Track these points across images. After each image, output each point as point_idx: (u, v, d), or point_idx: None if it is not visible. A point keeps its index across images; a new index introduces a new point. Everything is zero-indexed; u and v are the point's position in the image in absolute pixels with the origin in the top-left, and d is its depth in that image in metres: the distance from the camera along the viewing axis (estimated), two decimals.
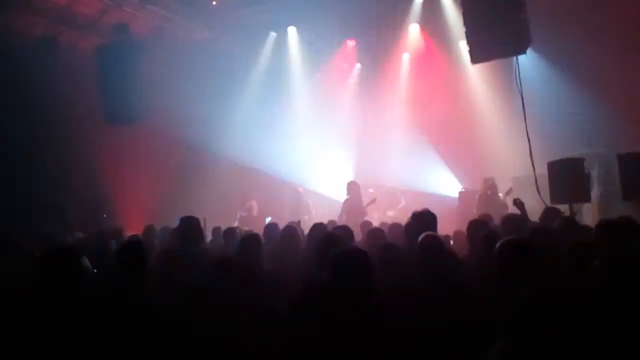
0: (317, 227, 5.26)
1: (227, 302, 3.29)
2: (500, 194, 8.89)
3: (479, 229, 4.64)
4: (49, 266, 2.62)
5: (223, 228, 6.44)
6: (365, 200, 9.52)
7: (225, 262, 3.78)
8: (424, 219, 4.40)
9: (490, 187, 9.01)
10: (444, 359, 2.87)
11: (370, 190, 10.60)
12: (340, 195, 10.33)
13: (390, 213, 10.30)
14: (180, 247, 4.73)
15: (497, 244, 3.02)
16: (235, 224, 9.75)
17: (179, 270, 4.10)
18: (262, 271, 4.26)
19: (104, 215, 9.42)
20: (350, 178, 10.24)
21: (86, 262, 2.85)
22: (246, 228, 8.14)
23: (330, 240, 3.94)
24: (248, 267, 4.02)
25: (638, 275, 2.87)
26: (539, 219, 5.46)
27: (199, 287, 3.50)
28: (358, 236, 5.79)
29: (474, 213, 8.52)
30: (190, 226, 4.90)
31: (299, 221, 6.67)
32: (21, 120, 8.75)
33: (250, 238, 4.62)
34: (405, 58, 11.94)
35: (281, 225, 5.79)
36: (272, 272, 4.27)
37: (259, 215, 10.88)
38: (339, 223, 7.10)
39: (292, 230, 5.25)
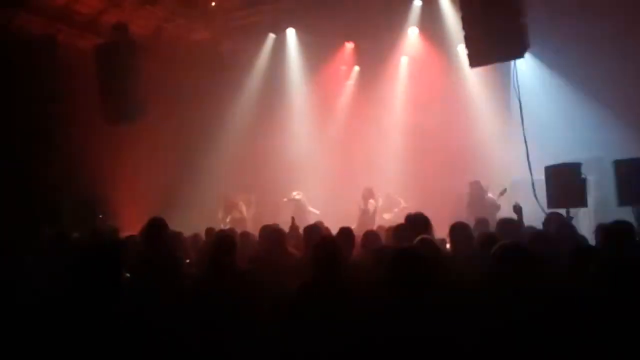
0: (313, 230, 5.27)
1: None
2: (490, 195, 8.94)
3: (460, 231, 4.65)
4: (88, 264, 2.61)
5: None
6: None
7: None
8: (417, 222, 4.43)
9: (478, 189, 9.07)
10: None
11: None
12: (336, 197, 10.38)
13: (387, 216, 10.31)
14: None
15: (494, 247, 3.04)
16: (228, 226, 9.72)
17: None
18: (235, 269, 4.24)
19: (100, 216, 9.38)
20: (348, 181, 10.28)
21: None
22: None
23: (328, 244, 3.95)
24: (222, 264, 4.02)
25: (635, 279, 2.88)
26: (542, 224, 5.47)
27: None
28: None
29: (464, 216, 8.55)
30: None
31: (293, 219, 6.65)
32: (19, 120, 8.72)
33: (224, 237, 4.67)
34: (404, 61, 11.96)
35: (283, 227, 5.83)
36: (248, 271, 4.28)
37: (254, 216, 10.86)
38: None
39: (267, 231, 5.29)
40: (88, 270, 2.60)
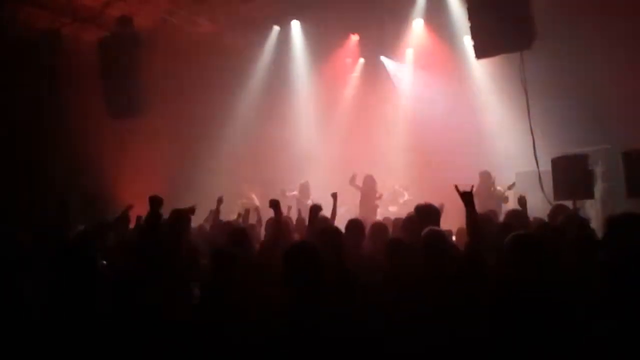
0: (322, 219, 5.29)
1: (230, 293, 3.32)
2: (500, 187, 8.93)
3: (484, 223, 4.66)
4: (69, 259, 2.63)
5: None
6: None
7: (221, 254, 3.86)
8: (427, 213, 4.42)
9: (487, 180, 9.06)
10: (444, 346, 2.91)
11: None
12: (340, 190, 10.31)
13: (392, 209, 10.28)
14: None
15: (507, 239, 3.05)
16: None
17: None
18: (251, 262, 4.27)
19: (107, 210, 9.40)
20: (352, 172, 10.20)
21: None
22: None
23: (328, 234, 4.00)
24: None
25: None
26: (548, 216, 5.45)
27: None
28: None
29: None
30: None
31: (299, 212, 6.64)
32: (23, 114, 8.74)
33: (238, 231, 4.78)
34: (409, 53, 11.91)
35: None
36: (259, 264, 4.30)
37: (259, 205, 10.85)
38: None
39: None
40: (63, 269, 2.62)
